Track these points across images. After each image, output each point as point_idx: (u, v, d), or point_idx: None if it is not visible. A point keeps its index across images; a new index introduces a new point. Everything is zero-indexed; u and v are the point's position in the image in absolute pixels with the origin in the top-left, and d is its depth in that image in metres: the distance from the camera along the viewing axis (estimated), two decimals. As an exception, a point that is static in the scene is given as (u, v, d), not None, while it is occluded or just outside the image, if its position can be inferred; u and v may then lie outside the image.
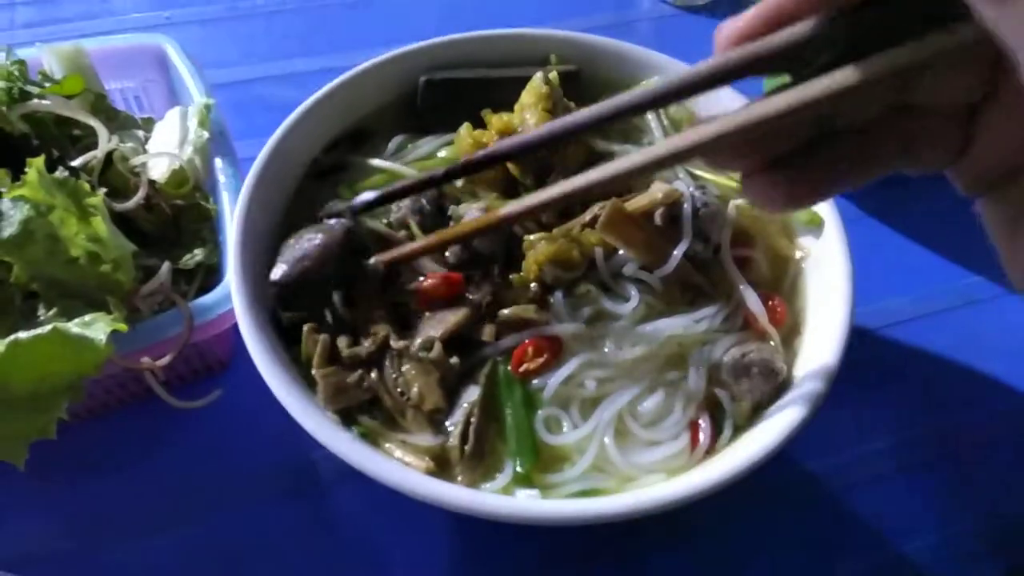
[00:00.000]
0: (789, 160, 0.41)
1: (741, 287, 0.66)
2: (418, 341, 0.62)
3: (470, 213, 0.66)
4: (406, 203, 0.68)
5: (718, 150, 0.41)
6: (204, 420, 0.72)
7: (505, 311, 0.64)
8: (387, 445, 0.59)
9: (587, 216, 0.66)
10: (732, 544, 0.71)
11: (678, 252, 0.65)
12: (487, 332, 0.63)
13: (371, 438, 0.59)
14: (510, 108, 0.71)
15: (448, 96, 0.77)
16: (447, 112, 0.75)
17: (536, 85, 0.70)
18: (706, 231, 0.66)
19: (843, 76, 0.35)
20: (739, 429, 0.62)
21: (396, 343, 0.61)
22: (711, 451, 0.61)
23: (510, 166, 0.69)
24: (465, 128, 0.70)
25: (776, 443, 0.55)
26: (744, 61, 0.38)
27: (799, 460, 0.77)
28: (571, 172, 0.69)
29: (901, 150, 0.40)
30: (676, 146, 0.41)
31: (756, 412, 0.63)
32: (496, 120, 0.70)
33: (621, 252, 0.66)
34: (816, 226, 0.69)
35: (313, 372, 0.61)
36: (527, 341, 0.62)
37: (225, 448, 0.73)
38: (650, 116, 0.77)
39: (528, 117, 0.69)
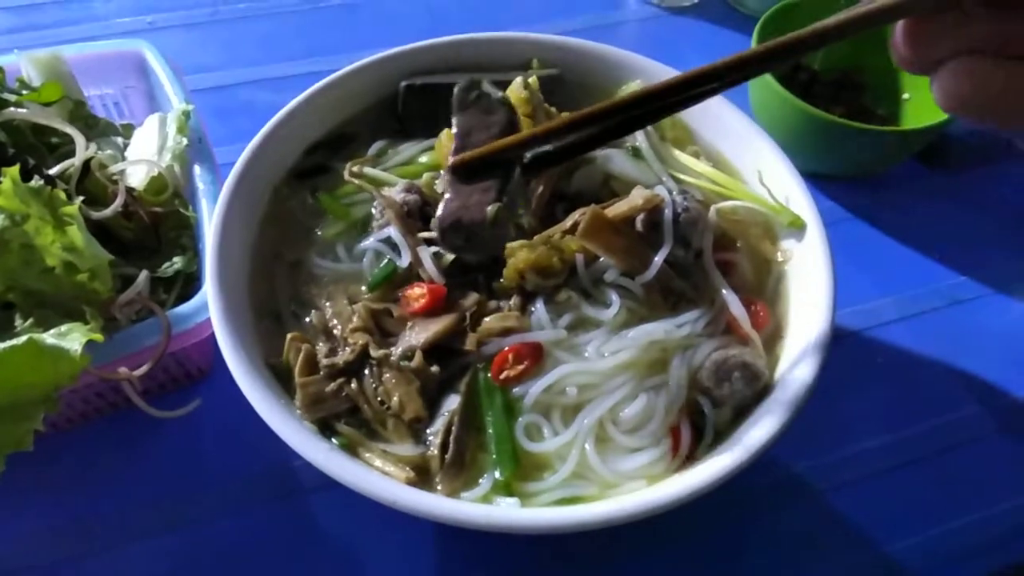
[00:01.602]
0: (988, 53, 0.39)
1: (723, 291, 0.66)
2: (399, 350, 0.62)
3: None
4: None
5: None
6: (184, 429, 0.72)
7: (487, 319, 0.64)
8: (367, 455, 0.59)
9: (568, 223, 0.66)
10: (717, 546, 0.71)
11: (659, 258, 0.64)
12: (469, 341, 0.62)
13: (351, 448, 0.59)
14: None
15: (428, 101, 0.77)
16: (427, 117, 0.74)
17: (515, 90, 0.69)
18: (687, 236, 0.66)
19: None
20: (720, 434, 0.62)
21: (376, 352, 0.61)
22: (692, 457, 0.61)
23: None
24: (445, 134, 0.70)
25: (756, 449, 0.55)
26: None
27: (784, 462, 0.77)
28: (554, 176, 0.69)
29: None
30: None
31: (738, 417, 0.63)
32: None
33: (602, 259, 0.66)
34: (799, 229, 0.69)
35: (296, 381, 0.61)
36: (507, 348, 0.61)
37: (205, 457, 0.73)
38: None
39: None
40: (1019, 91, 0.40)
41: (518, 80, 0.69)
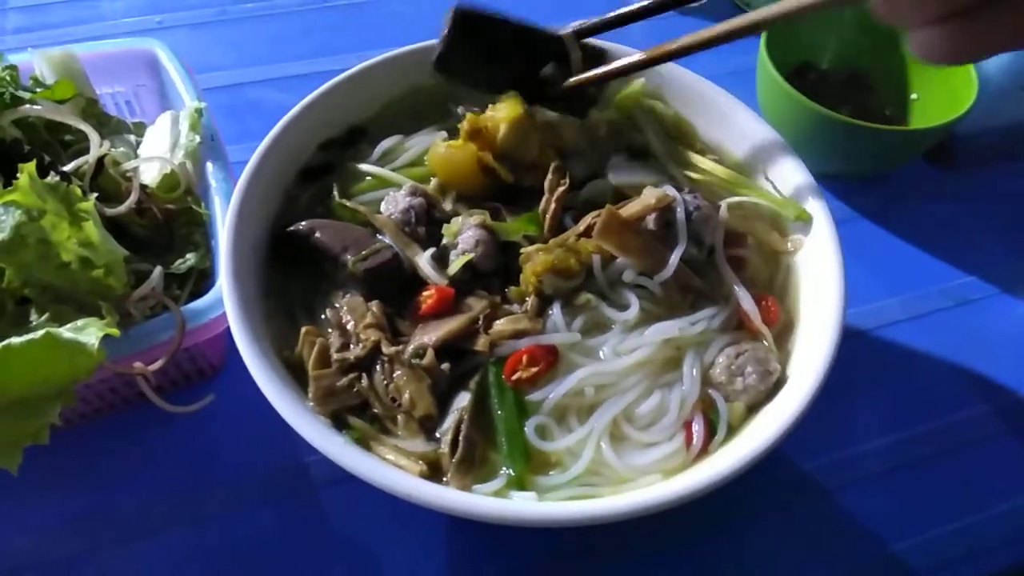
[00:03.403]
0: (963, 14, 0.42)
1: (736, 288, 0.66)
2: (411, 348, 0.62)
3: (467, 230, 0.66)
4: (397, 213, 0.68)
5: None
6: (198, 424, 0.72)
7: (499, 321, 0.64)
8: (380, 448, 0.59)
9: (581, 227, 0.67)
10: (724, 544, 0.71)
11: (675, 257, 0.65)
12: (481, 343, 0.62)
13: (363, 442, 0.59)
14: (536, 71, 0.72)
15: (480, 43, 0.70)
16: (473, 62, 0.71)
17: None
18: (700, 234, 0.67)
19: None
20: (733, 429, 0.62)
21: (387, 349, 0.61)
22: (704, 452, 0.61)
23: (496, 167, 0.69)
24: (441, 139, 0.71)
25: (768, 444, 0.55)
26: None
27: (792, 460, 0.77)
28: (564, 194, 0.69)
29: None
30: None
31: (750, 412, 0.63)
32: (468, 121, 0.70)
33: (619, 260, 0.66)
34: (806, 222, 0.69)
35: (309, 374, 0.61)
36: (522, 349, 0.62)
37: (218, 453, 0.73)
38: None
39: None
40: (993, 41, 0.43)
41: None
